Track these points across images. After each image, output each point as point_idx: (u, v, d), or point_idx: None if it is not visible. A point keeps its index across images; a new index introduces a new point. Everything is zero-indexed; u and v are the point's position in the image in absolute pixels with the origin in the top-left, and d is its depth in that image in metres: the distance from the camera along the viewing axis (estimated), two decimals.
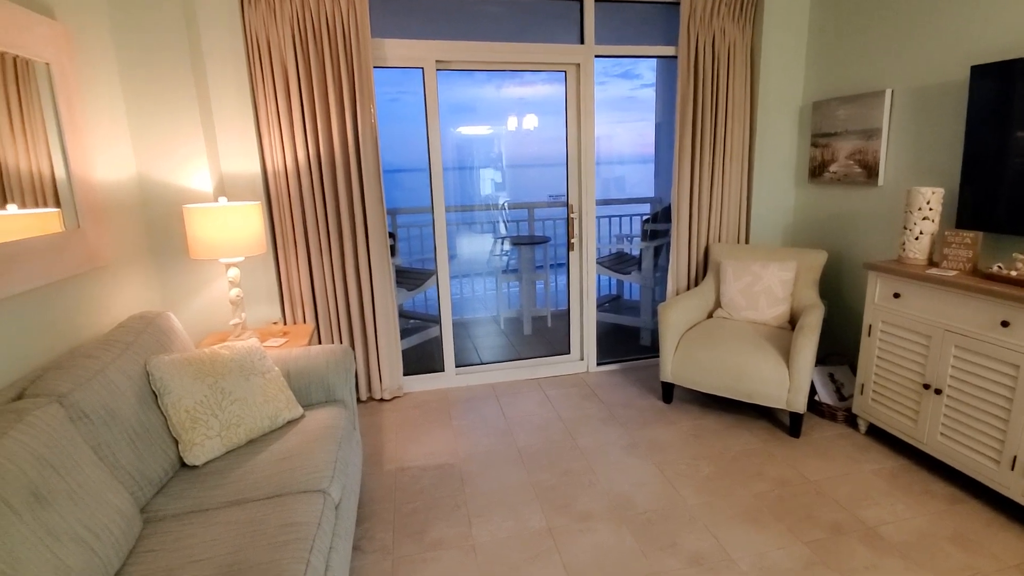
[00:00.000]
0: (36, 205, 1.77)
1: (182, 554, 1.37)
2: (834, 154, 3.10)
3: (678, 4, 3.21)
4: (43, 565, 1.11)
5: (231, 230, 2.27)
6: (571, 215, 3.43)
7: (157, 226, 2.57)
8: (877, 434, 2.71)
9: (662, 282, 4.13)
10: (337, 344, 2.35)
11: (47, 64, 1.83)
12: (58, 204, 1.89)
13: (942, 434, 2.29)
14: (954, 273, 2.26)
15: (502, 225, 6.02)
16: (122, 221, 2.35)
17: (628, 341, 4.22)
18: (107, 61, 2.30)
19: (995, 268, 2.14)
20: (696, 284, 3.47)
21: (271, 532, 1.43)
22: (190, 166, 2.57)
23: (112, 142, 2.30)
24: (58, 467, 1.26)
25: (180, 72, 2.48)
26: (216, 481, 1.71)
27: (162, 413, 1.79)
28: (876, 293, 2.55)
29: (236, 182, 2.76)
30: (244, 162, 2.75)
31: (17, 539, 1.09)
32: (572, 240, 3.46)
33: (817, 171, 3.24)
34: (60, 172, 1.90)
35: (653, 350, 4.00)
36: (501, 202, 6.52)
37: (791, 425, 2.71)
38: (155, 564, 1.34)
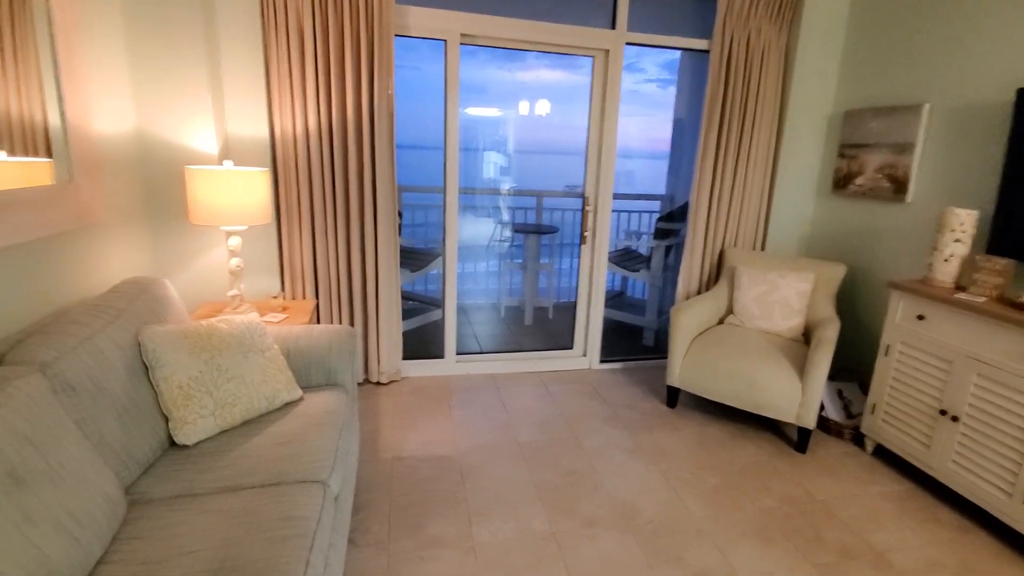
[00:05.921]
0: (26, 154, 1.63)
1: (170, 544, 1.27)
2: (862, 166, 3.02)
3: None
4: (19, 554, 0.99)
5: (237, 196, 2.13)
6: (586, 208, 3.32)
7: (155, 186, 2.42)
8: (883, 455, 2.66)
9: (671, 282, 4.05)
10: (341, 325, 2.24)
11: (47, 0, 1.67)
12: (50, 154, 1.74)
13: (954, 461, 2.24)
14: (983, 300, 2.20)
15: (505, 212, 5.89)
16: (117, 178, 2.20)
17: (630, 340, 4.14)
18: (111, 4, 2.13)
19: None
20: (707, 288, 3.39)
21: (268, 525, 1.33)
22: (194, 125, 2.42)
23: (112, 92, 2.15)
24: (39, 445, 1.14)
25: (189, 25, 2.32)
26: (208, 463, 1.60)
27: (152, 388, 1.67)
28: (898, 313, 2.48)
29: (242, 146, 2.61)
30: (252, 125, 2.60)
31: None
32: (585, 233, 3.35)
33: (842, 182, 3.15)
34: (54, 120, 1.75)
35: (656, 351, 3.92)
36: (506, 188, 6.37)
37: (798, 440, 2.65)
38: (140, 554, 1.23)
